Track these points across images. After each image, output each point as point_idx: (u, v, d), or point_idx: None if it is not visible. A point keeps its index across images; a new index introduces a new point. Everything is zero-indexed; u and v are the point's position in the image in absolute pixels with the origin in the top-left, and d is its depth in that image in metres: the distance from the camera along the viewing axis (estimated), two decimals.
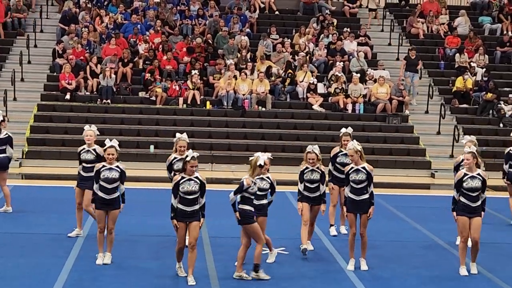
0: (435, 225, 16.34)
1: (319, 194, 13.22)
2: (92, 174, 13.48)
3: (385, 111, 26.35)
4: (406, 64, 27.65)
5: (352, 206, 12.33)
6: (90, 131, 14.04)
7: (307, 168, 13.17)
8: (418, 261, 13.40)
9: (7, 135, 16.08)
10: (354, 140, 12.58)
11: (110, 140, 12.48)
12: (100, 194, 12.36)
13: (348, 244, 12.53)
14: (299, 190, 13.31)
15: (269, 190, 12.30)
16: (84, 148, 14.05)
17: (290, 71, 27.12)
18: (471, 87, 27.57)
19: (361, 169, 12.30)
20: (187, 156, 11.32)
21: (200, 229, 11.47)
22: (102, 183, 12.32)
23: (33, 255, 12.87)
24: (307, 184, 13.19)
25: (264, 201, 12.26)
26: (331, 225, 14.92)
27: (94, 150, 13.98)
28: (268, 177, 12.27)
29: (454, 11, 32.34)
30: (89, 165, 13.89)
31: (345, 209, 12.47)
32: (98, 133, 14.33)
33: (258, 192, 12.19)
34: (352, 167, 12.36)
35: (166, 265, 12.46)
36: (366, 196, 12.27)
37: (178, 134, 13.80)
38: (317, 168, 13.14)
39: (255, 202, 11.97)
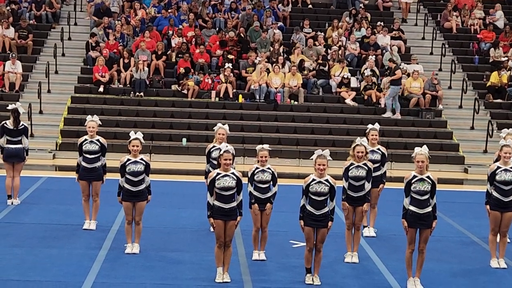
0: (469, 220, 16.23)
1: (363, 193, 12.43)
2: (96, 164, 13.72)
3: (418, 105, 26.18)
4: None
5: (414, 220, 11.10)
6: (93, 121, 14.01)
7: (352, 164, 12.42)
8: (450, 256, 13.33)
9: (23, 126, 16.01)
10: (424, 146, 11.40)
11: (135, 133, 12.53)
12: (127, 186, 12.43)
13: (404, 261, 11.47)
14: (344, 188, 12.50)
15: (271, 182, 12.26)
16: (86, 139, 14.04)
17: (324, 61, 27.01)
18: (506, 82, 27.31)
19: (426, 178, 11.13)
20: (221, 149, 11.29)
21: (236, 227, 11.40)
22: (128, 176, 12.39)
23: (66, 246, 12.96)
24: (352, 182, 12.38)
25: (269, 194, 12.27)
26: (364, 226, 14.29)
27: (98, 140, 14.01)
28: (269, 168, 12.23)
29: (489, 5, 32.02)
30: (92, 156, 13.95)
31: (405, 223, 11.17)
32: (101, 124, 14.35)
33: (261, 185, 12.19)
34: (415, 176, 11.16)
35: (199, 256, 12.50)
36: (430, 209, 11.09)
37: (219, 124, 13.90)
38: (364, 164, 12.42)
39: (261, 196, 12.11)
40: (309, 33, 29.05)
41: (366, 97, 26.08)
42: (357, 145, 12.42)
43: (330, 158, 11.15)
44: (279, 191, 12.59)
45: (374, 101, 26.11)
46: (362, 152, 12.38)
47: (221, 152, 11.13)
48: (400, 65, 27.41)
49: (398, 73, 25.70)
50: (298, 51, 27.29)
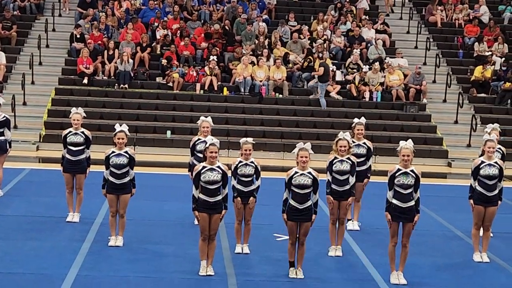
0: (452, 214, 16.29)
1: (348, 187, 12.38)
2: (81, 157, 13.69)
3: (400, 99, 26.17)
4: None
5: (397, 214, 11.07)
6: (77, 114, 13.95)
7: (336, 158, 12.35)
8: (433, 250, 13.37)
9: (4, 118, 15.90)
10: (410, 140, 11.37)
11: (120, 125, 12.47)
12: (111, 179, 12.39)
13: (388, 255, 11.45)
14: (328, 181, 12.46)
15: (254, 175, 12.22)
16: (70, 131, 13.97)
17: (310, 57, 26.97)
18: (490, 77, 27.40)
19: (410, 172, 11.09)
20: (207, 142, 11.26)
21: (221, 221, 11.37)
22: (112, 169, 12.35)
23: (49, 239, 12.92)
24: (336, 176, 12.34)
25: (252, 187, 12.24)
26: (348, 220, 14.16)
27: (83, 132, 13.95)
28: (252, 162, 12.18)
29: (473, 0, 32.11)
30: (76, 148, 13.88)
31: (388, 216, 11.12)
32: (85, 116, 14.31)
33: (244, 179, 12.18)
34: (399, 169, 11.10)
35: (183, 249, 12.49)
36: (412, 203, 11.05)
37: (202, 117, 13.88)
38: (348, 158, 12.34)
39: (244, 189, 12.12)
40: (294, 26, 29.03)
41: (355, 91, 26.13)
42: (340, 139, 12.33)
43: (312, 152, 11.14)
44: (263, 184, 12.58)
45: (355, 95, 26.08)
46: (345, 147, 12.29)
47: (207, 145, 11.10)
48: (385, 58, 27.50)
49: (320, 70, 25.67)
50: (279, 45, 27.27)
